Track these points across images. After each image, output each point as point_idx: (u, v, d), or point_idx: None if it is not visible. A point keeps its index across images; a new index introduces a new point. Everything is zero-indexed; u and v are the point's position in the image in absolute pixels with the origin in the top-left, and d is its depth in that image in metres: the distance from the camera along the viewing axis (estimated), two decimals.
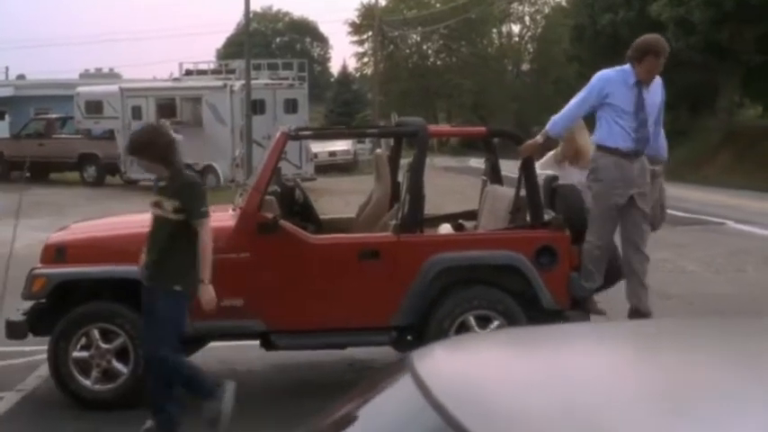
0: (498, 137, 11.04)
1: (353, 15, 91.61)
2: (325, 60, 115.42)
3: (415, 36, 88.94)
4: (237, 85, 33.75)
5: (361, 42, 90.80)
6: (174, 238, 8.20)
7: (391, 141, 12.22)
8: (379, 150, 11.70)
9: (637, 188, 9.59)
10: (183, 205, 8.14)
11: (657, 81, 9.75)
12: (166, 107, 34.70)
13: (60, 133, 39.93)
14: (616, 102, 9.53)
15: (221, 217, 9.95)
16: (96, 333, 9.18)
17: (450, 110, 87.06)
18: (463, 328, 9.35)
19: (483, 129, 10.66)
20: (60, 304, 9.31)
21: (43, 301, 9.40)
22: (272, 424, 8.63)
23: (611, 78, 9.64)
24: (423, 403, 2.59)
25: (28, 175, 38.42)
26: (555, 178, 10.21)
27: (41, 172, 38.30)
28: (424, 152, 9.85)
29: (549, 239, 9.48)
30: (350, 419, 2.94)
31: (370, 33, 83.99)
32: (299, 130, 10.75)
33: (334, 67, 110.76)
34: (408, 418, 2.66)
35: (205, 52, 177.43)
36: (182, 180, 8.28)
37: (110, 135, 36.84)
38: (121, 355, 9.23)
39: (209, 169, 33.25)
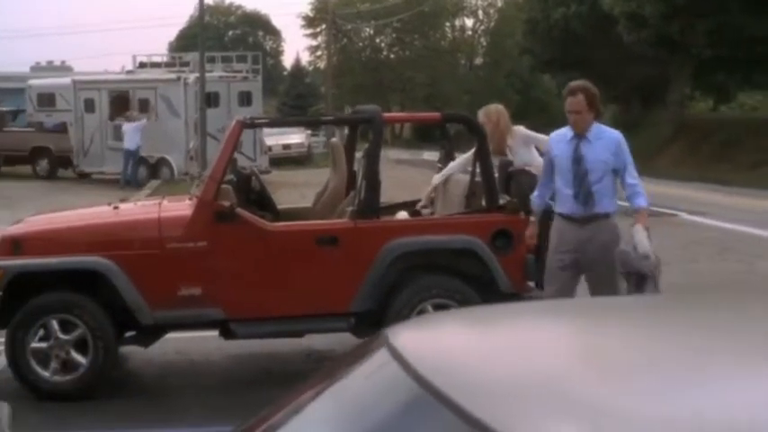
0: (452, 122, 11.04)
1: (306, 9, 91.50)
2: (277, 54, 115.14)
3: (368, 29, 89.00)
4: (191, 77, 33.63)
5: (314, 35, 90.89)
6: None
7: (346, 131, 12.24)
8: (334, 139, 11.74)
9: (581, 254, 8.87)
10: None
11: (609, 137, 8.88)
12: (120, 100, 34.53)
13: (12, 126, 39.56)
14: (557, 159, 8.98)
15: (178, 206, 9.97)
16: (55, 324, 9.13)
17: (404, 103, 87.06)
18: None
19: (437, 114, 10.67)
20: (17, 296, 9.26)
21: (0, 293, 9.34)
22: (231, 414, 8.63)
23: (554, 137, 9.13)
24: (400, 373, 2.64)
25: None
26: (509, 163, 10.26)
27: None
28: (380, 138, 9.88)
29: (505, 223, 9.54)
30: (326, 393, 2.98)
31: (323, 26, 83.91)
32: (254, 119, 10.79)
33: (287, 61, 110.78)
34: (386, 389, 2.71)
35: (157, 45, 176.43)
36: None
37: (62, 128, 36.63)
38: (80, 346, 9.19)
39: (162, 162, 33.24)
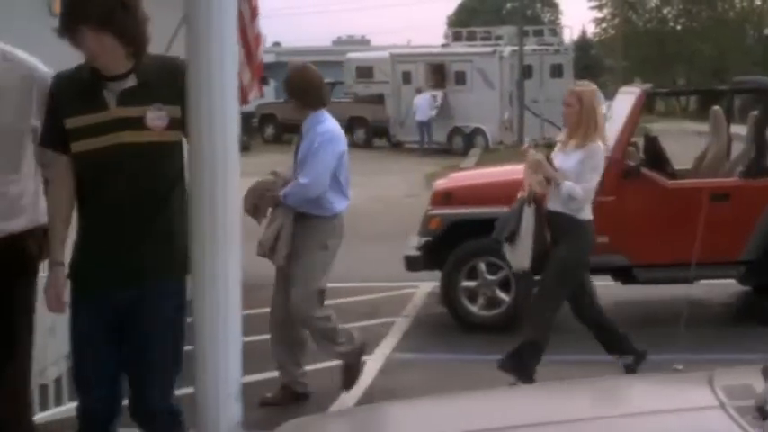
0: None
1: None
2: (555, 26, 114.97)
3: (654, 0, 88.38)
4: (507, 50, 34.98)
5: (599, 8, 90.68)
6: (176, 182, 4.82)
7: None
8: (715, 107, 12.69)
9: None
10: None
11: (314, 131, 7.86)
12: (436, 72, 36.08)
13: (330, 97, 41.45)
14: None
15: None
16: (483, 266, 10.56)
17: (690, 75, 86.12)
18: None
19: None
20: (446, 241, 10.70)
21: (430, 239, 10.82)
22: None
23: None
24: None
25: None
26: None
27: None
28: None
29: None
30: None
31: None
32: (656, 89, 11.97)
33: (565, 34, 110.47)
34: None
35: (435, 20, 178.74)
36: (172, 65, 4.77)
37: (378, 99, 38.35)
38: (504, 285, 10.59)
39: (477, 131, 34.67)
